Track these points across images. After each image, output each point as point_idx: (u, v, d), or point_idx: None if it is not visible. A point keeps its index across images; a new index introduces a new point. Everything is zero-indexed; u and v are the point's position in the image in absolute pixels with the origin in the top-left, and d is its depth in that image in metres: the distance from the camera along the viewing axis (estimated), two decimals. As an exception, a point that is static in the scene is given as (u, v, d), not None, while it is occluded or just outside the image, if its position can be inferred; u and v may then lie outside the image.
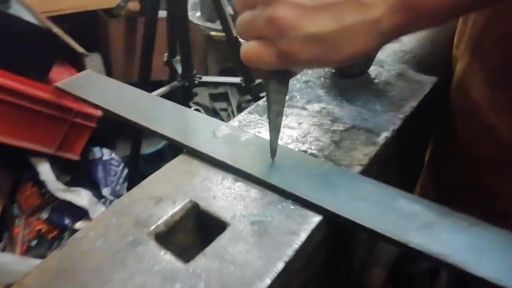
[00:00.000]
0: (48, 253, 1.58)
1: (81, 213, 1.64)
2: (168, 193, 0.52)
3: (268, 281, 0.40)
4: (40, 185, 1.71)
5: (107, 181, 1.73)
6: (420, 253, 0.42)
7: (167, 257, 0.43)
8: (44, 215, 1.70)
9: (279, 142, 0.54)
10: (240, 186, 0.52)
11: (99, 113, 1.64)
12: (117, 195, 1.74)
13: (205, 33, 1.92)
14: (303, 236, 0.45)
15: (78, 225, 1.65)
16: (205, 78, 1.33)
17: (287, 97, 0.65)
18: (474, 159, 0.74)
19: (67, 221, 1.63)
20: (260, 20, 0.45)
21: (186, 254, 0.49)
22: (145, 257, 0.43)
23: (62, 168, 1.75)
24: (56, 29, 1.44)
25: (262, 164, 0.54)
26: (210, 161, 0.56)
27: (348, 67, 0.72)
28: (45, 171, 1.64)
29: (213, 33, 1.91)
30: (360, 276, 0.65)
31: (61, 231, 1.65)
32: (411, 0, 0.41)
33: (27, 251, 1.61)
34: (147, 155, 1.88)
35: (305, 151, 0.58)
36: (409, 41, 0.87)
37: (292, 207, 0.49)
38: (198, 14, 1.97)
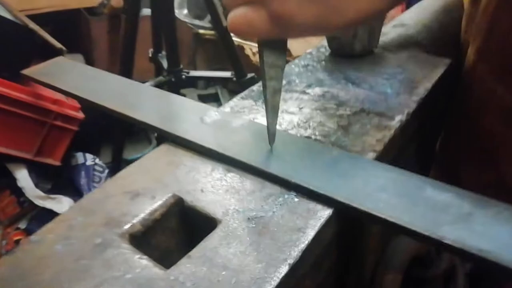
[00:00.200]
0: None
1: (62, 222, 1.53)
2: (146, 186, 0.43)
3: (270, 289, 0.32)
4: (19, 193, 1.61)
5: (90, 187, 1.63)
6: (457, 251, 0.34)
7: (143, 262, 0.35)
8: (23, 225, 1.59)
9: (278, 128, 0.46)
10: (233, 177, 0.44)
11: (80, 115, 1.55)
12: (101, 202, 1.63)
13: (193, 31, 1.85)
14: (310, 233, 0.37)
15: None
16: (193, 73, 1.24)
17: (284, 81, 0.57)
18: (490, 149, 0.66)
19: (47, 231, 1.52)
20: None
21: (168, 259, 0.40)
22: (115, 263, 0.35)
23: (42, 174, 1.65)
24: (33, 25, 1.36)
25: (259, 151, 0.46)
26: (198, 150, 0.48)
27: (350, 44, 0.65)
28: (22, 177, 1.53)
29: (201, 31, 1.84)
30: (371, 282, 0.56)
31: (40, 242, 1.54)
32: None
33: (4, 264, 1.49)
34: (131, 160, 1.78)
35: (308, 138, 0.49)
36: (414, 25, 0.80)
37: (296, 200, 0.40)
38: (185, 11, 1.89)
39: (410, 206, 0.37)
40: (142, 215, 0.40)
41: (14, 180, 1.58)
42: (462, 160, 0.73)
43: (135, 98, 0.58)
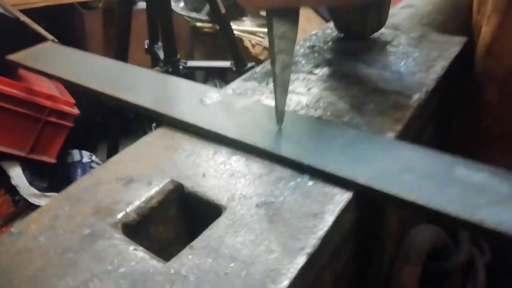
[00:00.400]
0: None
1: (57, 222, 1.48)
2: (141, 172, 0.39)
3: (286, 282, 0.27)
4: (14, 192, 1.56)
5: (86, 186, 1.58)
6: (498, 236, 0.29)
7: (138, 254, 0.30)
8: (17, 225, 1.54)
9: (285, 109, 0.42)
10: (238, 161, 0.39)
11: (76, 111, 1.50)
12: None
13: (190, 24, 1.80)
14: (329, 219, 0.32)
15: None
16: (191, 63, 1.20)
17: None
18: (509, 134, 0.62)
19: (42, 230, 1.48)
20: None
21: (167, 251, 0.36)
22: (106, 255, 0.30)
23: (37, 172, 1.60)
24: (24, 18, 1.31)
25: (266, 133, 0.41)
26: (198, 132, 0.43)
27: (359, 26, 0.60)
28: (16, 175, 1.48)
29: (198, 24, 1.79)
30: (388, 274, 0.52)
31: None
32: None
33: None
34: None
35: (319, 118, 0.45)
36: (424, 6, 0.76)
37: (310, 183, 0.36)
38: (182, 4, 1.84)
39: (441, 188, 0.33)
40: (137, 203, 0.35)
41: (8, 178, 1.53)
42: (479, 145, 0.68)
43: (129, 80, 0.53)
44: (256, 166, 0.38)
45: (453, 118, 0.66)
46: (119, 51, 1.15)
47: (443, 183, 0.33)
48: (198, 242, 0.31)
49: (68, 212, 0.35)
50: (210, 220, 0.34)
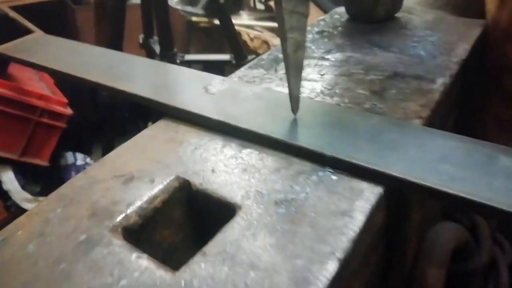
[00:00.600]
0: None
1: (52, 226, 1.43)
2: (143, 168, 0.34)
3: (318, 294, 0.23)
4: (5, 197, 1.51)
5: (81, 188, 1.53)
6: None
7: (142, 264, 0.26)
8: (10, 230, 1.49)
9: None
10: (250, 154, 0.35)
11: (69, 111, 1.44)
12: (94, 203, 1.53)
13: (185, 19, 1.75)
14: (360, 218, 0.28)
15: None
16: (189, 57, 1.15)
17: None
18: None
19: (36, 235, 1.42)
20: None
21: (174, 258, 0.31)
22: (105, 265, 0.26)
23: (30, 176, 1.55)
24: (13, 14, 1.26)
25: (281, 122, 0.37)
26: (204, 123, 0.39)
27: (372, 8, 0.56)
28: (8, 179, 1.43)
29: (194, 18, 1.74)
30: (411, 276, 0.48)
31: (30, 247, 1.44)
32: None
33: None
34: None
35: (337, 105, 0.41)
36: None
37: (334, 177, 0.32)
38: (177, -2, 1.79)
39: (485, 179, 0.29)
40: (138, 203, 0.31)
41: (-1, 183, 1.47)
42: (498, 132, 0.64)
43: (126, 69, 0.49)
44: (271, 159, 0.34)
45: (473, 105, 0.62)
46: (113, 45, 1.10)
47: (487, 174, 0.29)
48: (211, 247, 0.27)
49: (60, 215, 0.31)
50: (222, 221, 0.29)
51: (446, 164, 0.31)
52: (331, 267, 0.25)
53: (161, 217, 0.32)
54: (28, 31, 1.26)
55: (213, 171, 0.33)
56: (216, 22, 1.36)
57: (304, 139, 0.34)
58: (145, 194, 0.32)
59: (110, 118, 1.33)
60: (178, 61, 1.04)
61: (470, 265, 0.58)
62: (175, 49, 1.05)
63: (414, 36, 0.54)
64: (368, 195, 0.30)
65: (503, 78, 0.58)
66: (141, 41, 1.19)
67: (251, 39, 1.59)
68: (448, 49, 0.50)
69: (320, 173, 0.32)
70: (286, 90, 0.41)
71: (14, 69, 1.43)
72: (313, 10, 1.60)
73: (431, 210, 0.52)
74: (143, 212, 0.31)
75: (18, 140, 1.43)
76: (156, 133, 0.39)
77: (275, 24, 1.74)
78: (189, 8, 1.74)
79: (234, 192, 0.31)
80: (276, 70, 0.49)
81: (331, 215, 0.29)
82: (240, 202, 0.30)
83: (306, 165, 0.33)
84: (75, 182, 0.34)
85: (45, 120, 1.45)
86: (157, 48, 1.10)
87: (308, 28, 0.60)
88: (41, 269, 0.26)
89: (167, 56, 1.01)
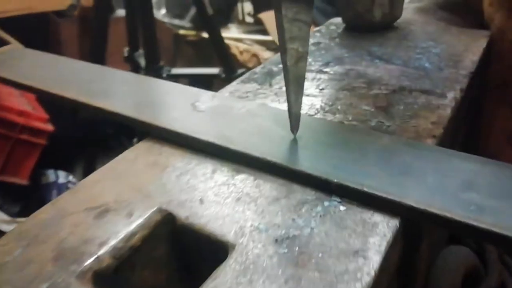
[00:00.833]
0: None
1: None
2: (120, 199, 0.30)
3: None
4: (-17, 218, 1.43)
5: (64, 207, 1.46)
6: None
7: (114, 323, 0.21)
8: (-12, 253, 1.41)
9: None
10: (244, 180, 0.31)
11: (49, 127, 1.38)
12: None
13: (173, 32, 1.71)
14: (375, 259, 0.24)
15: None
16: (176, 71, 1.10)
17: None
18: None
19: (15, 258, 1.35)
20: None
21: (155, 307, 0.27)
22: (68, 326, 0.21)
23: (8, 196, 1.47)
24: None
25: (279, 142, 0.33)
26: (191, 145, 0.34)
27: (368, 12, 0.53)
28: (-15, 199, 1.36)
29: (181, 31, 1.70)
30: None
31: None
32: None
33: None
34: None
35: (341, 123, 0.37)
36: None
37: (342, 208, 0.27)
38: (164, 11, 1.75)
39: (520, 210, 0.25)
40: (113, 242, 0.26)
41: (-24, 203, 1.40)
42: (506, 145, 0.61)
43: (106, 85, 0.44)
44: (269, 187, 0.30)
45: (480, 119, 0.58)
46: (95, 59, 1.06)
47: (522, 204, 0.25)
48: (199, 299, 0.22)
49: (19, 258, 0.26)
50: (212, 263, 0.25)
51: (472, 192, 0.27)
52: (347, 324, 0.20)
53: (140, 257, 0.27)
54: (6, 44, 1.21)
55: (201, 201, 0.29)
56: (205, 35, 1.33)
57: (306, 163, 0.30)
58: (122, 230, 0.27)
59: (91, 135, 1.28)
60: (164, 74, 1.00)
61: (482, 288, 0.54)
62: (162, 63, 1.01)
63: (416, 48, 0.51)
64: (383, 229, 0.26)
65: (511, 91, 0.55)
66: (126, 54, 1.15)
67: (241, 53, 1.56)
68: (455, 61, 0.47)
69: (326, 203, 0.28)
70: (282, 106, 0.37)
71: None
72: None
73: (439, 235, 0.48)
74: (119, 252, 0.26)
75: (-4, 158, 1.36)
76: (137, 155, 0.35)
77: (264, 37, 1.71)
78: (177, 21, 1.70)
79: (226, 227, 0.27)
80: (270, 84, 0.45)
81: (342, 256, 0.24)
82: (233, 240, 0.26)
83: (309, 194, 0.29)
84: (40, 215, 0.29)
85: (25, 137, 1.39)
86: (142, 62, 1.05)
87: (303, 39, 0.57)
88: (-11, 330, 0.21)
89: (153, 69, 0.96)
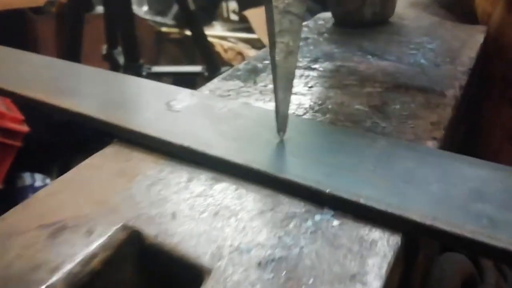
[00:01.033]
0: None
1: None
2: (80, 213, 0.26)
3: None
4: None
5: (42, 211, 1.40)
6: None
7: None
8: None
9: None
10: (224, 191, 0.27)
11: (25, 128, 1.32)
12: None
13: (155, 30, 1.66)
14: (375, 285, 0.20)
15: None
16: (156, 69, 1.05)
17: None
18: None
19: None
20: None
21: None
22: None
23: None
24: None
25: (263, 146, 0.29)
26: (165, 150, 0.30)
27: (359, 10, 0.50)
28: (-43, 204, 1.29)
29: (164, 28, 1.65)
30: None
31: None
32: None
33: None
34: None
35: (332, 125, 0.33)
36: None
37: (335, 222, 0.24)
38: (146, 8, 1.69)
39: (540, 224, 0.22)
40: (68, 267, 0.22)
41: None
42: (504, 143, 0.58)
43: (73, 83, 0.40)
44: (253, 198, 0.26)
45: (479, 118, 0.56)
46: (70, 56, 1.01)
47: (542, 217, 0.22)
48: None
49: (-48, 289, 0.21)
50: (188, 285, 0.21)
51: (482, 203, 0.23)
52: None
53: (101, 283, 0.23)
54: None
55: (173, 216, 0.25)
56: (188, 32, 1.29)
57: (295, 170, 0.26)
58: (79, 252, 0.23)
59: (70, 136, 1.23)
60: (144, 73, 0.95)
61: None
62: (141, 61, 0.96)
63: (410, 43, 0.48)
64: (383, 248, 0.22)
65: None
66: (104, 52, 1.10)
67: (225, 51, 1.52)
68: (452, 57, 0.44)
69: (318, 217, 0.24)
70: (267, 106, 0.33)
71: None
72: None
73: (435, 243, 0.45)
74: (75, 279, 0.22)
75: (-33, 162, 1.30)
76: (103, 162, 0.31)
77: (250, 35, 1.67)
78: (159, 18, 1.65)
79: (202, 248, 0.23)
80: (255, 82, 0.41)
81: (336, 281, 0.21)
82: (209, 263, 0.22)
83: (298, 206, 0.25)
84: (-17, 234, 0.25)
85: (-3, 138, 1.33)
86: (121, 60, 1.01)
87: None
88: None
89: (132, 67, 0.92)
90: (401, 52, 0.45)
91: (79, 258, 0.23)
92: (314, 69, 0.43)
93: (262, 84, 0.40)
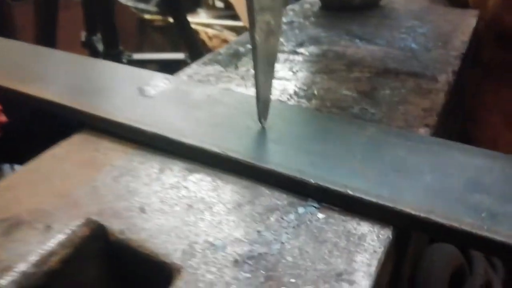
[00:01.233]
0: None
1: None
2: (39, 207, 0.23)
3: None
4: None
5: (22, 204, 1.36)
6: None
7: None
8: None
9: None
10: (199, 182, 0.24)
11: (3, 118, 1.28)
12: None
13: (138, 17, 1.61)
14: (363, 284, 0.18)
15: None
16: (137, 56, 1.01)
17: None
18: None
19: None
20: None
21: None
22: None
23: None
24: None
25: (243, 134, 0.27)
26: (135, 138, 0.28)
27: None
28: None
29: (147, 16, 1.60)
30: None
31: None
32: None
33: None
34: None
35: (318, 111, 0.31)
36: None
37: (320, 215, 0.22)
38: (128, -6, 1.64)
39: (543, 216, 0.20)
40: (22, 266, 0.20)
41: None
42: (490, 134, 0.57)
43: (40, 67, 0.37)
44: (230, 190, 0.24)
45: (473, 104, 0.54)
46: (44, 42, 0.97)
47: (545, 208, 0.20)
48: None
49: None
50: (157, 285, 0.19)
51: (481, 194, 0.21)
52: None
53: (61, 284, 0.21)
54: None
55: (142, 210, 0.23)
56: (172, 20, 1.25)
57: (276, 159, 0.24)
58: (35, 249, 0.21)
59: (52, 126, 1.18)
60: (124, 60, 0.92)
61: (466, 288, 0.50)
62: (121, 48, 0.93)
63: (400, 27, 0.45)
64: (372, 243, 0.20)
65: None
66: (83, 39, 1.06)
67: (210, 38, 1.48)
68: (444, 42, 0.42)
69: (301, 210, 0.22)
70: (249, 92, 0.31)
71: None
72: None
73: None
74: (30, 280, 0.20)
75: None
76: (68, 152, 0.28)
77: (235, 23, 1.63)
78: (142, 5, 1.60)
79: (172, 244, 0.20)
80: (236, 67, 0.38)
81: (321, 281, 0.18)
82: (180, 261, 0.19)
83: (279, 198, 0.23)
84: None
85: (-24, 129, 1.28)
86: (100, 47, 0.97)
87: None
88: None
89: (112, 55, 0.88)
90: (391, 36, 0.43)
91: (34, 257, 0.20)
92: (299, 53, 0.40)
93: (244, 69, 0.38)
